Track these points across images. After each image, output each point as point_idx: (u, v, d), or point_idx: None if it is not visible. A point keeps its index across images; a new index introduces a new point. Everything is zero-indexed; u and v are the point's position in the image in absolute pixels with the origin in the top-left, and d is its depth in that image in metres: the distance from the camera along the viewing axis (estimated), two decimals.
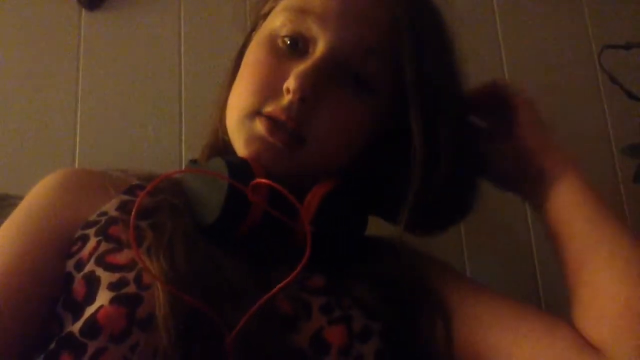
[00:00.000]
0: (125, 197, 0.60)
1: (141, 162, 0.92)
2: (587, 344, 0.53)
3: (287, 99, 0.58)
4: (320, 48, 0.60)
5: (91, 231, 0.57)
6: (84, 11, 1.01)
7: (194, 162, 0.65)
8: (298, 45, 0.61)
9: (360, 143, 0.63)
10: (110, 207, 0.59)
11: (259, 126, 0.59)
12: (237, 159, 0.59)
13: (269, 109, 0.59)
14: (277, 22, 0.63)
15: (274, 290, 0.50)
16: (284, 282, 0.50)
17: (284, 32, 0.62)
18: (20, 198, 0.63)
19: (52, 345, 0.49)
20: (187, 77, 0.99)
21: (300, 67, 0.58)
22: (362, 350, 0.54)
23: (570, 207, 0.60)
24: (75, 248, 0.56)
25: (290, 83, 0.57)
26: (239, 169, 0.56)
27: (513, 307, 0.58)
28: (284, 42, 0.61)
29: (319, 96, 0.58)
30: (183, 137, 0.96)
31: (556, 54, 1.07)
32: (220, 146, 0.69)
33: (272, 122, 0.58)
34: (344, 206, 0.60)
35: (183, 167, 0.86)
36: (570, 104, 1.04)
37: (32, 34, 0.99)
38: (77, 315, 0.50)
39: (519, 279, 0.95)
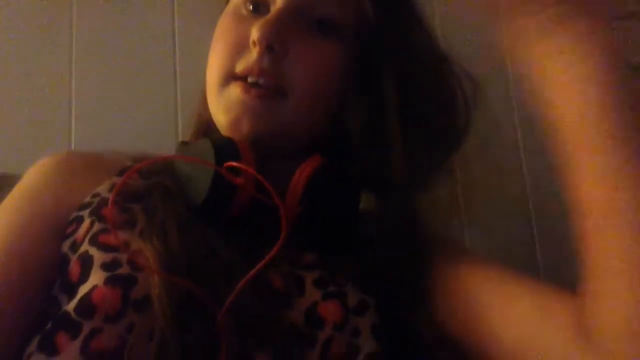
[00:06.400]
0: (119, 179, 0.60)
1: (137, 147, 0.91)
2: (583, 333, 0.47)
3: (255, 52, 0.59)
4: (278, 1, 0.62)
5: (85, 212, 0.57)
6: None
7: (184, 143, 0.65)
8: (260, 9, 0.63)
9: (335, 88, 0.63)
10: (104, 188, 0.59)
11: (234, 89, 0.60)
12: (224, 139, 0.59)
13: (240, 68, 0.60)
14: None
15: (256, 268, 0.51)
16: (264, 260, 0.51)
17: None
18: (18, 177, 0.63)
19: (48, 326, 0.49)
20: (181, 61, 0.99)
21: (261, 19, 0.60)
22: (358, 323, 0.54)
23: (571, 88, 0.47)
24: (70, 230, 0.57)
25: (254, 34, 0.59)
26: (226, 150, 0.57)
27: (509, 283, 0.56)
28: (247, 7, 0.64)
29: (286, 45, 0.60)
30: (179, 122, 0.95)
31: None
32: (205, 128, 0.70)
33: (247, 81, 0.59)
34: (333, 183, 0.60)
35: None
36: None
37: (24, 22, 0.98)
38: (72, 296, 0.50)
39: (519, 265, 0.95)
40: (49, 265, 0.55)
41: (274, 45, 0.58)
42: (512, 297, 0.55)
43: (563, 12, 0.48)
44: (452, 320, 0.57)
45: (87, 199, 0.58)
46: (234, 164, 0.55)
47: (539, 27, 0.49)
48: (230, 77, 0.61)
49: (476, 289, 0.57)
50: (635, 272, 0.44)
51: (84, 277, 0.51)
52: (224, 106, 0.61)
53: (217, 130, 0.63)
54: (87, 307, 0.48)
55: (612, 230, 0.45)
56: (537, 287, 0.55)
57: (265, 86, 0.59)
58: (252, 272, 0.50)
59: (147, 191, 0.58)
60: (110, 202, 0.51)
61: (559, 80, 0.48)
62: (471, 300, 0.57)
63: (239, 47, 0.61)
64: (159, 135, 0.94)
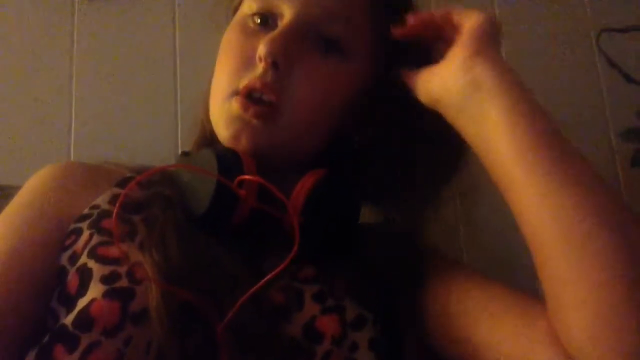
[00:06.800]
0: (118, 190, 0.60)
1: (137, 153, 0.91)
2: (563, 347, 0.48)
3: (260, 67, 0.59)
4: (286, 17, 0.61)
5: (84, 224, 0.57)
6: (77, 0, 1.00)
7: (185, 154, 0.66)
8: (268, 22, 0.63)
9: (340, 105, 0.64)
10: (103, 200, 0.59)
11: (235, 105, 0.60)
12: (227, 150, 0.59)
13: (245, 82, 0.60)
14: (246, 8, 0.65)
15: (262, 281, 0.51)
16: (272, 273, 0.51)
17: (253, 11, 0.64)
18: (17, 188, 0.63)
19: (46, 339, 0.49)
20: (182, 67, 0.99)
21: (269, 35, 0.60)
22: (356, 338, 0.54)
23: (494, 131, 0.52)
24: (69, 241, 0.56)
25: (261, 50, 0.59)
26: (228, 161, 0.57)
27: (497, 297, 0.57)
28: (254, 21, 0.64)
29: (291, 62, 0.60)
30: (179, 128, 0.95)
31: (554, 37, 1.07)
32: (208, 137, 0.69)
33: (246, 97, 0.59)
34: (334, 196, 0.60)
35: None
36: (568, 87, 1.03)
37: (25, 24, 0.98)
38: (70, 308, 0.50)
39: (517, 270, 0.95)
40: (48, 276, 0.55)
41: (279, 62, 0.59)
42: (499, 315, 0.55)
43: (462, 94, 0.55)
44: (443, 334, 0.58)
45: (86, 211, 0.58)
46: (247, 177, 0.55)
47: (451, 106, 0.56)
48: (234, 92, 0.61)
49: (466, 304, 0.57)
50: (584, 282, 0.46)
51: (82, 290, 0.51)
52: (224, 120, 0.61)
53: (219, 141, 0.63)
54: (85, 320, 0.48)
55: (557, 249, 0.48)
56: (525, 304, 0.55)
57: (267, 103, 0.59)
58: (255, 287, 0.51)
59: (147, 202, 0.58)
60: (114, 215, 0.51)
61: (476, 141, 0.55)
62: (461, 315, 0.57)
63: (246, 62, 0.61)
64: (158, 146, 0.94)
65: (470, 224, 0.95)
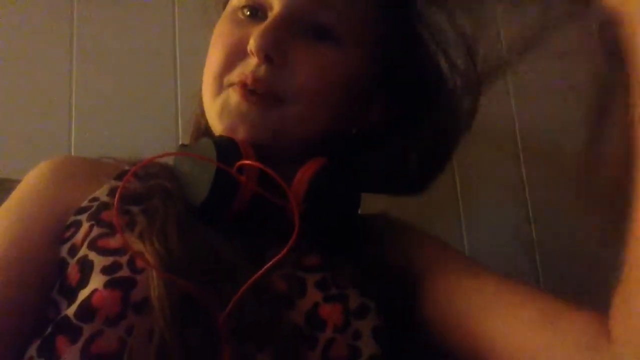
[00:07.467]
0: (116, 183, 0.60)
1: (137, 149, 0.90)
2: (596, 341, 0.48)
3: (253, 60, 0.59)
4: (275, 8, 0.61)
5: (83, 217, 0.57)
6: None
7: (184, 146, 0.66)
8: (258, 14, 0.63)
9: (336, 95, 0.63)
10: (102, 192, 0.59)
11: (233, 95, 0.60)
12: (225, 138, 0.59)
13: (236, 75, 0.60)
14: (235, 0, 0.65)
15: (263, 269, 0.51)
16: (272, 261, 0.51)
17: (242, 4, 0.64)
18: (17, 182, 0.63)
19: (48, 330, 0.49)
20: (182, 62, 0.98)
21: (258, 27, 0.60)
22: (359, 327, 0.54)
23: None
24: (68, 234, 0.56)
25: (252, 44, 0.59)
26: (227, 148, 0.57)
27: (512, 290, 0.56)
28: (244, 13, 0.63)
29: (285, 53, 0.59)
30: (179, 124, 0.95)
31: (556, 37, 1.06)
32: (203, 130, 0.70)
33: (244, 88, 0.59)
34: (336, 184, 0.60)
35: None
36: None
37: (25, 20, 0.98)
38: (71, 300, 0.50)
39: (518, 264, 0.95)
40: (48, 268, 0.55)
41: (273, 56, 0.58)
42: (515, 305, 0.54)
43: None
44: (449, 326, 0.58)
45: (85, 203, 0.58)
46: (247, 162, 0.55)
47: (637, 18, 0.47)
48: (227, 82, 0.61)
49: (477, 295, 0.57)
50: None
51: (83, 281, 0.51)
52: (219, 110, 0.61)
53: (215, 133, 0.63)
54: (87, 310, 0.48)
55: None
56: (541, 295, 0.55)
57: (263, 94, 0.59)
58: (257, 274, 0.50)
59: (146, 193, 0.58)
60: (115, 206, 0.51)
61: None
62: (470, 307, 0.57)
63: (236, 54, 0.61)
64: (159, 140, 0.93)
65: (472, 220, 0.95)
